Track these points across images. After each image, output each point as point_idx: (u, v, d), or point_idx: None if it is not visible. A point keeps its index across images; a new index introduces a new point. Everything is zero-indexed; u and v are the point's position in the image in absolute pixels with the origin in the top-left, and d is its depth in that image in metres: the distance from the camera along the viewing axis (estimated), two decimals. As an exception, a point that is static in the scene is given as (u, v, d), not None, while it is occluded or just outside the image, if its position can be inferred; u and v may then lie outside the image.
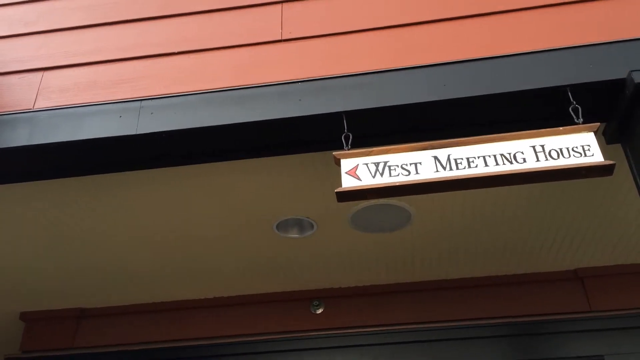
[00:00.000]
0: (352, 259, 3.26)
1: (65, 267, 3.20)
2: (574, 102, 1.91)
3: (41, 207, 2.62)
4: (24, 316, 3.74)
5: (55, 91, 2.33)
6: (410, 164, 1.88)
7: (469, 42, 2.17)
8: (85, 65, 2.39)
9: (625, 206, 2.76)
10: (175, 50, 2.36)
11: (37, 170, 2.28)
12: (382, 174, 1.87)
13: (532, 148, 1.84)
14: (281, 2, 2.42)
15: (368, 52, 2.21)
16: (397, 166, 1.88)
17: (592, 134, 1.83)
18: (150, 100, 2.18)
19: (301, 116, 2.04)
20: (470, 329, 3.27)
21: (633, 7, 2.13)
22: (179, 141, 2.15)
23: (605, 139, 2.06)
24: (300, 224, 2.92)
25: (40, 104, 2.29)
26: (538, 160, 1.82)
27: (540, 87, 1.96)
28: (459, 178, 1.83)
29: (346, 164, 1.91)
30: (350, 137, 1.99)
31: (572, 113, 1.90)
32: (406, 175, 1.86)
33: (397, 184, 1.85)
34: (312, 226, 2.91)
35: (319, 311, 3.51)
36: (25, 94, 2.34)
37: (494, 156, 1.85)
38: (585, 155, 1.79)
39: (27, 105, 2.30)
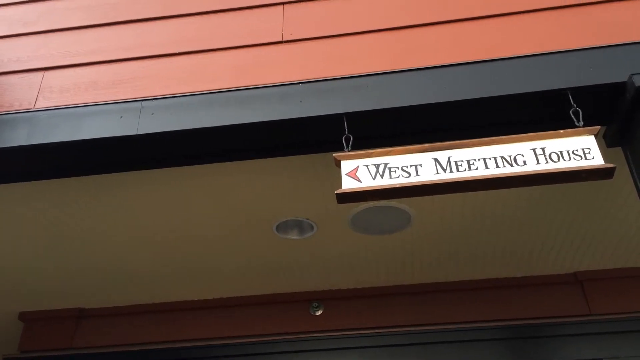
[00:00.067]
0: (351, 261, 3.26)
1: (65, 267, 3.20)
2: (575, 105, 1.91)
3: (41, 207, 2.62)
4: (22, 316, 3.74)
5: (56, 91, 2.33)
6: (411, 166, 1.88)
7: (470, 44, 2.17)
8: (86, 66, 2.39)
9: (626, 209, 2.76)
10: (176, 51, 2.36)
11: (37, 170, 2.28)
12: (382, 176, 1.87)
13: (532, 151, 1.84)
14: (282, 3, 2.42)
15: (369, 54, 2.21)
16: (398, 168, 1.88)
17: (592, 137, 1.83)
18: (150, 101, 2.18)
19: (302, 117, 2.05)
20: (469, 332, 3.26)
21: (634, 10, 2.13)
22: (180, 142, 2.15)
23: (606, 142, 2.06)
24: (300, 226, 2.91)
25: (41, 104, 2.29)
26: (538, 163, 1.82)
27: (540, 90, 1.96)
28: (459, 180, 1.83)
29: (346, 166, 1.91)
30: (351, 138, 1.99)
31: (572, 116, 1.90)
32: (406, 177, 1.86)
33: (397, 185, 1.85)
34: (312, 227, 2.91)
35: (318, 313, 3.51)
36: (25, 93, 2.34)
37: (495, 158, 1.85)
38: (586, 158, 1.79)
39: (27, 105, 2.30)
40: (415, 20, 2.27)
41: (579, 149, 1.81)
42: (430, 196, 1.94)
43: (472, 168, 1.84)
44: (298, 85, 2.13)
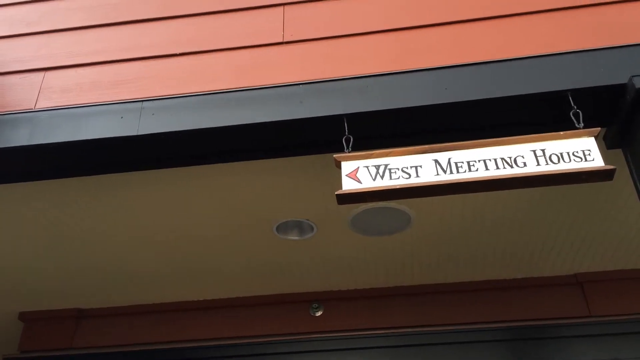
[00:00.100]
0: (351, 262, 3.26)
1: (65, 267, 3.20)
2: (575, 107, 1.91)
3: (41, 207, 2.62)
4: (22, 316, 3.74)
5: (57, 91, 2.33)
6: (411, 167, 1.88)
7: (470, 45, 2.17)
8: (87, 66, 2.39)
9: (626, 210, 2.76)
10: (177, 52, 2.36)
11: (38, 170, 2.28)
12: (382, 177, 1.87)
13: (532, 152, 1.84)
14: (283, 4, 2.43)
15: (369, 55, 2.22)
16: (398, 169, 1.88)
17: (592, 139, 1.83)
18: (151, 101, 2.18)
19: (302, 118, 2.05)
20: (469, 333, 3.26)
21: (634, 12, 2.13)
22: (181, 142, 2.15)
23: (606, 144, 2.06)
24: (300, 226, 2.92)
25: (42, 104, 2.29)
26: (538, 164, 1.82)
27: (541, 91, 1.96)
28: (460, 181, 1.83)
29: (347, 167, 1.91)
30: (351, 139, 1.99)
31: (572, 117, 1.90)
32: (406, 178, 1.86)
33: (398, 187, 1.85)
34: (312, 228, 2.91)
35: (318, 314, 3.51)
36: (26, 93, 2.34)
37: (495, 160, 1.85)
38: (586, 160, 1.79)
39: (28, 105, 2.30)
40: (416, 21, 2.27)
41: (579, 151, 1.81)
42: (430, 197, 1.94)
43: (472, 169, 1.84)
44: (298, 86, 2.13)
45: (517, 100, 1.98)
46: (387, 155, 1.92)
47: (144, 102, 2.18)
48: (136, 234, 2.91)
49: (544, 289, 3.39)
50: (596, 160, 1.78)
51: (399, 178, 1.87)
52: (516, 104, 1.99)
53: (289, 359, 3.34)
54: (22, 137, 2.16)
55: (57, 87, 2.34)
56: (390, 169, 1.89)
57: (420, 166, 1.88)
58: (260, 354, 3.36)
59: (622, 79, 1.91)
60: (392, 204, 2.69)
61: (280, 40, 2.32)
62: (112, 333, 3.62)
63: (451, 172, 1.85)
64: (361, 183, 1.87)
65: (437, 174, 1.85)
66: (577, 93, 1.93)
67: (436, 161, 1.88)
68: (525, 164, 1.82)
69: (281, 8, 2.42)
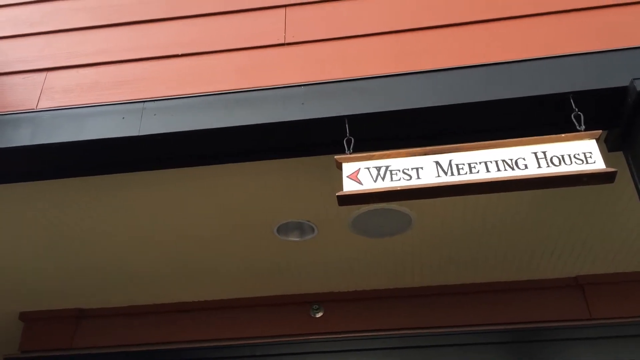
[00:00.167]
0: (352, 263, 3.26)
1: (65, 267, 3.20)
2: (576, 109, 1.91)
3: (41, 207, 2.63)
4: (23, 316, 3.74)
5: (59, 91, 2.33)
6: (412, 169, 1.88)
7: (472, 48, 2.17)
8: (89, 66, 2.40)
9: (627, 213, 2.75)
10: (179, 53, 2.37)
11: (38, 170, 2.28)
12: (383, 179, 1.88)
13: (533, 154, 1.84)
14: (284, 6, 2.43)
15: (370, 57, 2.22)
16: (399, 171, 1.88)
17: (594, 141, 1.83)
18: (153, 102, 2.19)
19: (303, 120, 2.05)
20: (469, 335, 3.26)
21: (636, 15, 2.13)
22: (182, 143, 2.15)
23: (607, 147, 2.06)
24: (300, 228, 2.92)
25: (44, 104, 2.29)
26: (539, 166, 1.82)
27: (542, 94, 1.96)
28: (460, 183, 1.83)
29: (347, 168, 1.91)
30: (352, 141, 1.99)
31: (574, 120, 1.90)
32: (407, 179, 1.86)
33: (398, 188, 1.85)
34: (312, 230, 2.91)
35: (319, 315, 3.51)
36: (28, 94, 2.34)
37: (496, 162, 1.85)
38: (587, 162, 1.79)
39: (30, 105, 2.30)
40: (418, 23, 2.27)
41: (580, 153, 1.81)
42: (431, 199, 1.94)
43: (473, 171, 1.84)
44: (300, 88, 2.13)
45: (519, 103, 1.98)
46: (388, 156, 1.92)
47: (145, 103, 2.19)
48: (137, 234, 2.91)
49: (545, 291, 3.39)
50: (597, 163, 1.78)
51: (400, 179, 1.87)
52: (518, 107, 1.99)
53: (289, 360, 3.34)
54: (23, 137, 2.16)
55: (59, 87, 2.35)
56: (391, 171, 1.89)
57: (421, 168, 1.88)
58: (261, 355, 3.36)
59: (624, 82, 1.91)
60: (393, 205, 2.69)
61: (282, 41, 2.32)
62: (112, 333, 3.62)
63: (452, 174, 1.85)
64: (362, 184, 1.87)
65: (438, 176, 1.86)
66: (579, 95, 1.93)
67: (437, 163, 1.88)
68: (526, 166, 1.82)
69: (283, 10, 2.42)
